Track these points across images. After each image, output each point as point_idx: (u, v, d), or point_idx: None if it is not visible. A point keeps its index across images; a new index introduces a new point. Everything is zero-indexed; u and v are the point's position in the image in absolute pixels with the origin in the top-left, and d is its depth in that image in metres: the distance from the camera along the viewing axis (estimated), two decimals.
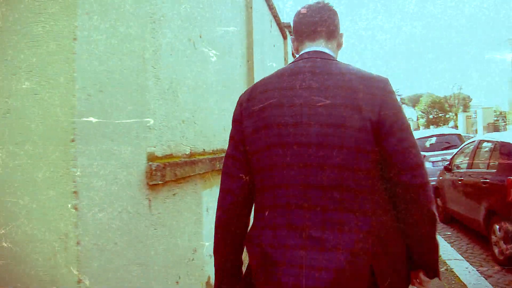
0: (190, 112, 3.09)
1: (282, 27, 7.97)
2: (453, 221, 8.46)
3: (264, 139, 1.63)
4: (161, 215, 2.43)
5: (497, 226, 5.90)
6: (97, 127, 1.90)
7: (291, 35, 1.91)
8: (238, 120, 1.75)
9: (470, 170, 7.41)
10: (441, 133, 12.84)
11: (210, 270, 3.21)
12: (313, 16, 1.79)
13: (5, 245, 1.80)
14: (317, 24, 1.78)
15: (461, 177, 7.64)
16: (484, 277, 5.27)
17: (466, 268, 5.61)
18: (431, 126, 47.34)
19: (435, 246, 1.64)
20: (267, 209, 1.64)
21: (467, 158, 7.77)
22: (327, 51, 1.76)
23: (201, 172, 2.93)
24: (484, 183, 6.41)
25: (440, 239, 6.84)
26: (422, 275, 1.69)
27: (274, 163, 1.60)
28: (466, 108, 47.91)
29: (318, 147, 1.53)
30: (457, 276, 5.26)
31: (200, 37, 3.35)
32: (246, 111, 1.71)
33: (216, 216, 1.79)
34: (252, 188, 1.72)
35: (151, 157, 2.38)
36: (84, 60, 1.84)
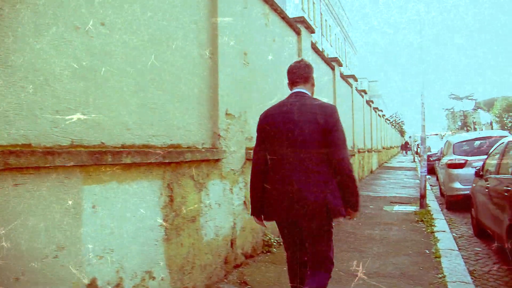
0: (76, 103, 2.93)
1: (291, 22, 7.64)
2: (487, 235, 7.22)
3: (272, 137, 3.30)
4: None
5: None
6: None
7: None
8: (260, 129, 3.43)
9: (497, 176, 6.45)
10: (488, 135, 11.17)
11: (96, 272, 3.02)
12: (294, 72, 3.47)
13: None
14: (296, 77, 3.45)
15: (488, 184, 6.73)
16: None
17: None
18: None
19: (353, 192, 3.21)
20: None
21: (496, 162, 6.84)
22: (304, 90, 3.42)
23: (69, 164, 2.73)
24: (506, 191, 5.57)
25: (458, 258, 5.91)
26: (349, 209, 3.27)
27: (277, 149, 3.29)
28: None
29: (297, 141, 3.19)
30: None
31: (103, 24, 3.17)
32: (263, 123, 3.39)
33: (251, 174, 3.47)
34: (267, 160, 3.37)
35: None
36: None
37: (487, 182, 6.79)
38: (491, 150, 7.74)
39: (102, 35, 3.17)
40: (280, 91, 7.01)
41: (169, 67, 3.98)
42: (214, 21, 4.77)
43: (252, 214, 3.50)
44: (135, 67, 3.53)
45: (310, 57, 8.90)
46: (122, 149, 3.25)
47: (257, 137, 3.44)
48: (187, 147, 4.20)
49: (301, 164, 3.18)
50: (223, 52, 4.86)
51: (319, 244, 3.28)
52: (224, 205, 4.83)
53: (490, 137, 10.84)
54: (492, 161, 7.13)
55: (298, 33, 8.16)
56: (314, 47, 9.66)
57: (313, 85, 3.54)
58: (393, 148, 46.86)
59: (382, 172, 22.55)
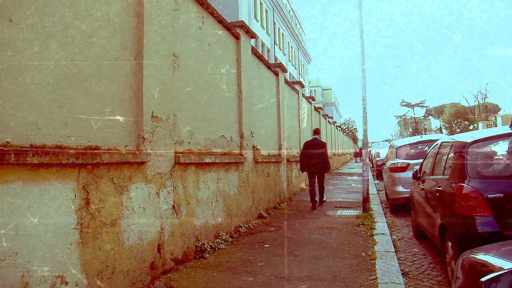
0: None
1: (229, 26, 7.60)
2: (425, 236, 7.19)
3: (306, 151, 11.80)
4: None
5: (450, 243, 5.00)
6: None
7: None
8: (304, 146, 11.99)
9: (431, 177, 6.51)
10: (430, 139, 11.31)
11: None
12: (316, 131, 12.47)
13: None
14: (316, 133, 12.35)
15: (423, 185, 6.79)
16: None
17: None
18: None
19: (328, 166, 11.96)
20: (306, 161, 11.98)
21: (430, 164, 6.91)
22: (318, 137, 12.12)
23: None
24: (438, 191, 5.62)
25: (393, 260, 5.85)
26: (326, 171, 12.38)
27: (306, 156, 11.88)
28: (487, 117, 46.70)
29: (317, 154, 11.72)
30: None
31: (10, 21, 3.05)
32: (305, 144, 11.99)
33: (300, 161, 12.21)
34: (305, 159, 11.98)
35: None
36: None
37: (423, 184, 6.85)
38: (427, 152, 7.85)
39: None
40: (215, 96, 6.94)
41: (87, 67, 3.87)
42: (140, 22, 4.66)
43: (302, 171, 12.13)
44: (47, 68, 3.41)
45: (250, 62, 8.88)
46: (28, 149, 3.11)
47: (303, 147, 11.91)
48: (107, 149, 4.07)
49: (317, 158, 11.48)
50: (149, 53, 4.77)
51: (322, 180, 11.93)
52: (149, 209, 4.71)
53: (432, 141, 10.91)
54: (428, 163, 7.24)
55: (237, 37, 8.13)
56: (255, 52, 9.66)
57: (320, 133, 12.41)
58: (345, 155, 47.44)
59: (331, 178, 22.70)
